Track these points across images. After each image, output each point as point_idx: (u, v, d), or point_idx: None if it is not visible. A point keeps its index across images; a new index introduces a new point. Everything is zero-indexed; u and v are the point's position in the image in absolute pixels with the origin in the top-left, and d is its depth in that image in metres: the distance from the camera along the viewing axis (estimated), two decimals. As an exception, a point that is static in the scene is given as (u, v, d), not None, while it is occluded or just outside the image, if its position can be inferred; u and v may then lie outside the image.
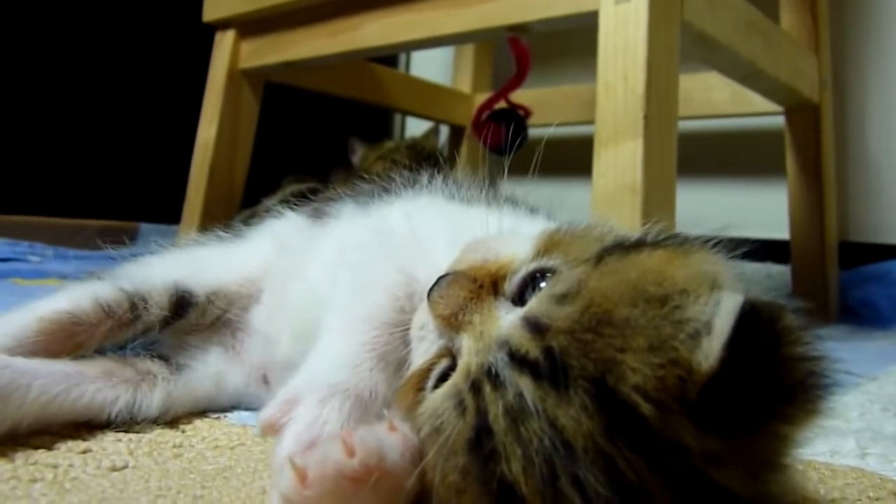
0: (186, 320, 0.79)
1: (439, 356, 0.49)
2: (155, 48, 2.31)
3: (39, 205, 2.14)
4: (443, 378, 0.47)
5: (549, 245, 0.50)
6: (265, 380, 0.79)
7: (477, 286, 0.49)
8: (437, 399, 0.45)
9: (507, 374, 0.41)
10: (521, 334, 0.42)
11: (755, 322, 0.38)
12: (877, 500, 0.62)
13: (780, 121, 1.82)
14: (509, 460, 0.39)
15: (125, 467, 0.61)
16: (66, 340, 0.71)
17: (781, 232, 1.82)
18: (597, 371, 0.38)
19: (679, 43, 1.10)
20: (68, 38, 2.17)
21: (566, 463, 0.37)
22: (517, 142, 1.71)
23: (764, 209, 1.96)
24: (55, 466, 0.59)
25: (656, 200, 1.01)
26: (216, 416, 0.77)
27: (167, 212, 1.75)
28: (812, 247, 1.77)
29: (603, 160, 1.03)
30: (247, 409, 0.80)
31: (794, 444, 0.42)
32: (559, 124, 2.05)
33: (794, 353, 0.39)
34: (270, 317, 0.79)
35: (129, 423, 0.70)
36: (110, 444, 0.66)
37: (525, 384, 0.40)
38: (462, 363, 0.45)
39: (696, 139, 2.13)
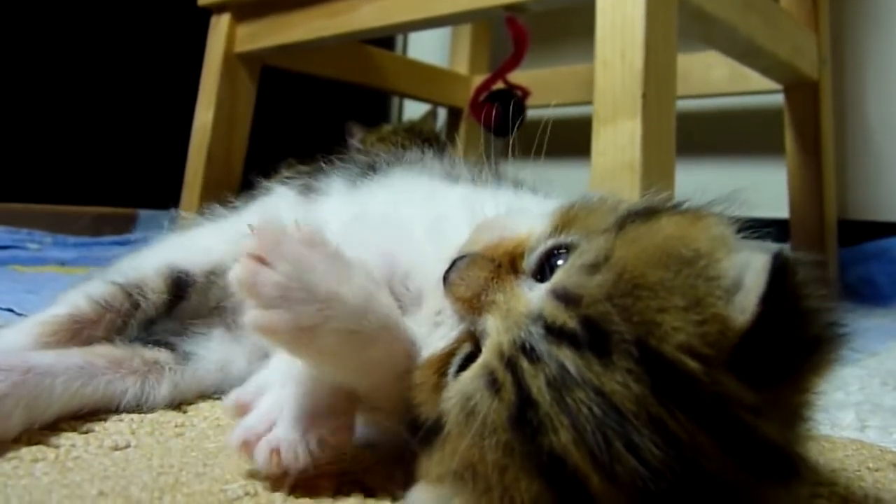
0: (189, 302, 0.79)
1: (460, 341, 0.48)
2: (150, 33, 2.30)
3: (38, 192, 2.14)
4: (466, 363, 0.46)
5: (565, 220, 0.49)
6: (267, 357, 0.79)
7: (496, 266, 0.49)
8: (465, 381, 0.44)
9: (545, 347, 0.41)
10: (553, 306, 0.42)
11: (784, 276, 0.39)
12: (876, 470, 0.62)
13: (779, 99, 1.81)
14: (557, 432, 0.38)
15: (127, 446, 0.61)
16: (72, 339, 0.72)
17: (781, 210, 1.82)
18: (638, 334, 0.39)
19: (677, 20, 1.09)
20: (65, 24, 2.16)
21: (618, 428, 0.37)
22: (516, 122, 1.71)
23: (763, 187, 1.96)
24: (57, 446, 0.59)
25: (655, 179, 1.01)
26: (217, 396, 0.77)
27: (165, 198, 1.75)
28: (811, 225, 1.77)
29: (602, 139, 1.03)
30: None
31: (815, 395, 0.43)
32: (557, 105, 2.04)
33: (814, 304, 0.41)
34: None
35: (136, 410, 0.71)
36: (112, 425, 0.66)
37: (566, 355, 0.40)
38: (491, 343, 0.44)
39: (694, 118, 2.12)
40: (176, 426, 0.67)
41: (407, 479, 0.54)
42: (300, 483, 0.53)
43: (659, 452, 0.37)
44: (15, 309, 1.10)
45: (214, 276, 0.80)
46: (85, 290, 0.75)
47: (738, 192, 0.50)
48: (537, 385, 0.40)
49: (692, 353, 0.38)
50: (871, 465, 0.64)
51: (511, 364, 0.42)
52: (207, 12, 1.76)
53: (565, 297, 0.42)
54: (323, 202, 0.82)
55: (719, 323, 0.39)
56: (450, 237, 0.56)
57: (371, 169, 0.81)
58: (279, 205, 0.86)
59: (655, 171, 1.02)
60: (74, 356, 0.69)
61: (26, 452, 0.57)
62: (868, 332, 1.30)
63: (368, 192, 0.78)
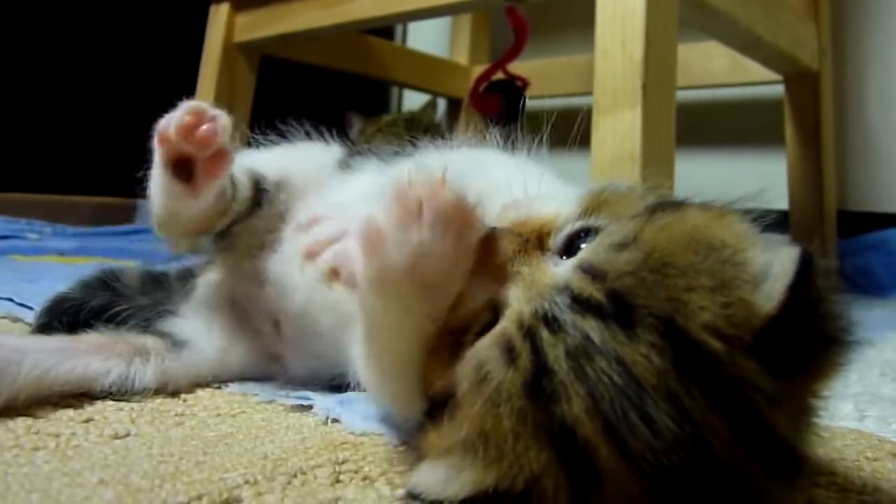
0: (262, 212, 0.79)
1: (480, 310, 0.49)
2: (150, 23, 2.29)
3: (38, 182, 2.14)
4: (483, 332, 0.46)
5: (595, 204, 0.50)
6: (277, 326, 0.79)
7: (523, 240, 0.49)
8: (480, 348, 0.44)
9: (569, 317, 0.41)
10: (579, 279, 0.43)
11: (809, 271, 0.39)
12: (875, 460, 0.63)
13: (779, 90, 1.81)
14: (570, 400, 0.39)
15: (127, 435, 0.61)
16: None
17: (780, 201, 1.82)
18: (665, 310, 0.39)
19: (677, 10, 1.09)
20: (64, 15, 2.15)
21: (636, 399, 0.38)
22: (515, 113, 1.71)
23: (763, 178, 1.96)
24: (57, 435, 0.59)
25: (655, 169, 1.01)
26: (217, 385, 0.78)
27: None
28: (811, 215, 1.77)
29: (602, 129, 1.03)
30: (248, 378, 0.80)
31: (821, 397, 0.44)
32: (556, 95, 2.04)
33: (831, 306, 0.41)
34: (286, 265, 0.77)
35: (124, 394, 0.71)
36: (112, 414, 0.66)
37: (591, 325, 0.40)
38: (511, 311, 0.45)
39: (694, 109, 2.12)
40: (176, 415, 0.68)
41: (407, 469, 0.54)
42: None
43: (674, 427, 0.37)
44: (14, 298, 1.10)
45: (280, 187, 0.80)
46: None
47: (759, 193, 0.50)
48: (555, 353, 0.40)
49: (717, 333, 0.38)
50: (869, 454, 0.64)
51: (530, 333, 0.42)
52: (206, 2, 1.75)
53: (592, 271, 0.42)
54: (358, 175, 0.81)
55: (745, 307, 0.39)
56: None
57: (409, 149, 0.80)
58: (323, 159, 0.85)
59: (655, 161, 1.01)
60: (54, 340, 0.71)
61: (27, 441, 0.58)
62: (867, 323, 1.30)
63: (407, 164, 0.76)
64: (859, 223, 1.93)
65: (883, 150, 2.00)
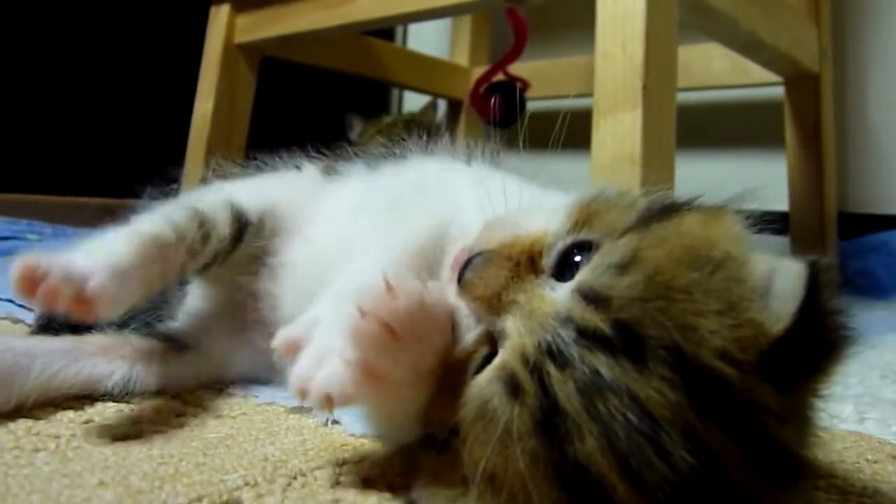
0: (244, 245, 0.78)
1: (478, 344, 0.47)
2: (150, 24, 2.29)
3: (38, 183, 2.14)
4: (483, 366, 0.45)
5: (584, 217, 0.48)
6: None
7: (514, 264, 0.47)
8: (481, 384, 0.43)
9: (577, 351, 0.39)
10: (582, 308, 0.41)
11: (816, 285, 0.39)
12: (875, 462, 0.63)
13: (779, 91, 1.80)
14: (584, 439, 0.38)
15: (127, 437, 0.61)
16: (157, 261, 0.70)
17: (781, 203, 1.81)
18: (675, 339, 0.38)
19: (678, 11, 1.09)
20: (66, 16, 2.15)
21: (652, 434, 0.37)
22: (516, 114, 1.71)
23: (763, 180, 1.95)
24: (58, 436, 0.60)
25: (655, 171, 1.01)
26: (218, 387, 0.78)
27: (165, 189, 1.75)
28: (811, 217, 1.76)
29: (602, 130, 1.03)
30: (249, 380, 0.80)
31: (822, 396, 0.44)
32: (557, 97, 2.04)
33: (832, 308, 0.41)
34: (274, 275, 0.78)
35: (127, 396, 0.71)
36: (112, 415, 0.66)
37: (600, 360, 0.39)
38: (511, 344, 0.43)
39: (695, 110, 2.12)
40: (176, 416, 0.68)
41: (406, 471, 0.54)
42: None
43: (690, 459, 0.37)
44: (15, 299, 1.10)
45: (265, 219, 0.79)
46: (163, 213, 0.73)
47: (748, 191, 0.49)
48: (566, 392, 0.39)
49: (728, 359, 0.38)
50: (869, 456, 0.64)
51: (536, 369, 0.40)
52: (207, 3, 1.75)
53: (594, 299, 0.41)
54: (344, 183, 0.81)
55: (753, 328, 0.39)
56: (497, 209, 0.54)
57: (395, 155, 0.80)
58: (304, 180, 0.86)
59: (655, 163, 1.01)
60: (60, 342, 0.70)
61: (27, 442, 0.58)
62: (867, 325, 1.30)
63: (390, 173, 0.77)
64: (860, 225, 1.93)
65: (883, 152, 1.99)
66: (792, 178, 1.79)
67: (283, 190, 0.83)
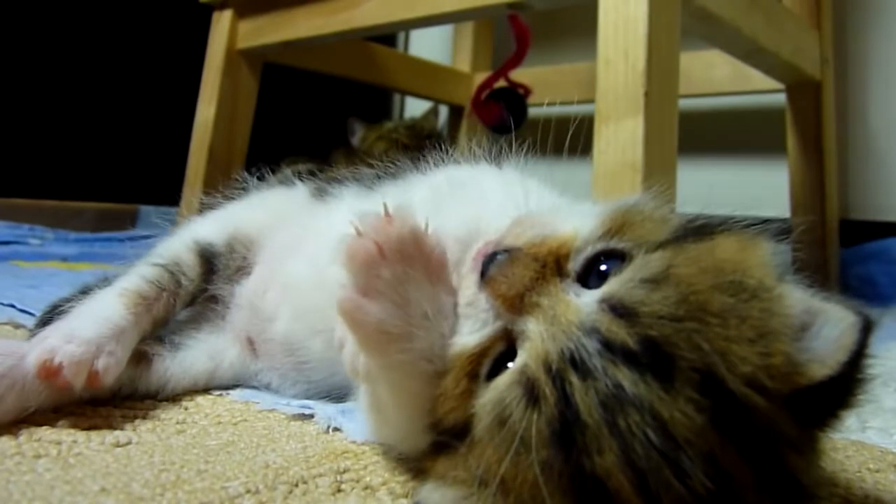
0: (219, 274, 0.82)
1: (494, 339, 0.46)
2: (152, 29, 2.30)
3: (40, 188, 2.14)
4: (497, 364, 0.45)
5: (616, 225, 0.47)
6: (251, 344, 0.80)
7: (540, 265, 0.46)
8: (500, 387, 0.42)
9: (600, 362, 0.39)
10: (609, 320, 0.40)
11: (866, 343, 0.39)
12: (877, 471, 0.62)
13: (781, 98, 1.81)
14: (602, 453, 0.37)
15: (129, 443, 0.61)
16: (146, 314, 0.74)
17: (782, 210, 1.81)
18: (706, 363, 0.38)
19: (680, 19, 1.09)
20: (67, 21, 2.16)
21: (672, 455, 0.37)
22: (517, 121, 1.71)
23: (765, 187, 1.95)
24: (59, 443, 0.60)
25: (657, 178, 1.01)
26: (218, 393, 0.78)
27: (167, 194, 1.75)
28: (813, 225, 1.76)
29: (604, 137, 1.03)
30: (249, 386, 0.80)
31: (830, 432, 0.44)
32: (558, 103, 2.04)
33: (868, 369, 0.41)
34: (261, 290, 0.79)
35: (128, 397, 0.72)
36: (113, 422, 0.66)
37: (624, 374, 0.38)
38: (532, 348, 0.42)
39: (696, 117, 2.12)
40: (177, 423, 0.68)
41: (408, 477, 0.54)
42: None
43: (708, 484, 0.36)
44: (17, 304, 1.10)
45: (234, 243, 0.83)
46: (138, 272, 0.78)
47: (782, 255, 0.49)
48: (587, 403, 0.38)
49: (756, 387, 0.38)
50: (871, 466, 0.64)
51: (559, 377, 0.40)
52: (209, 9, 1.76)
53: (622, 312, 0.40)
54: (335, 205, 0.81)
55: (784, 359, 0.39)
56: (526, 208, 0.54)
57: (389, 174, 0.80)
58: (291, 200, 0.87)
59: (657, 170, 1.01)
60: None
61: (28, 449, 0.58)
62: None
63: (393, 189, 0.76)
64: (861, 232, 1.93)
65: (885, 159, 1.99)
66: (793, 185, 1.79)
67: (254, 212, 0.87)
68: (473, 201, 0.61)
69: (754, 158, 2.13)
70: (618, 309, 0.40)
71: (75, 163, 2.20)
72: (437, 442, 0.47)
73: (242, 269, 0.83)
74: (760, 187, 2.00)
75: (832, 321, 0.40)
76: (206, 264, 0.81)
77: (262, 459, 0.58)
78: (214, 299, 0.83)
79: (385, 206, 0.49)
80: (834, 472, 0.61)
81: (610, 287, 0.42)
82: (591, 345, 0.40)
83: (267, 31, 1.67)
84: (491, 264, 0.47)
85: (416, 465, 0.52)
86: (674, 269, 0.41)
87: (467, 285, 0.50)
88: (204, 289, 0.81)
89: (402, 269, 0.48)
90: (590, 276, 0.45)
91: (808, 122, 1.75)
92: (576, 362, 0.40)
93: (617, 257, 0.45)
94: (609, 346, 0.39)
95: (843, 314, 0.40)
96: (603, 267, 0.45)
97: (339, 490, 0.54)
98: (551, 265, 0.46)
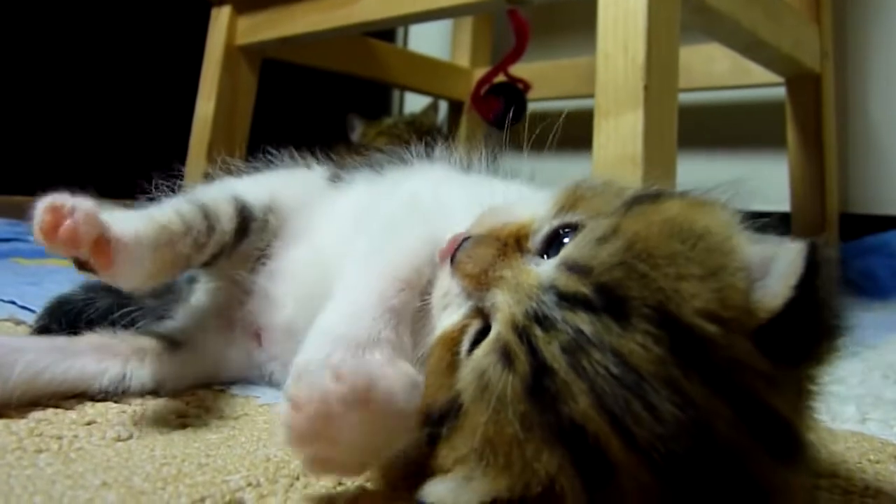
0: (249, 240, 0.79)
1: (469, 318, 0.49)
2: (152, 25, 2.30)
3: (40, 184, 2.14)
4: (476, 340, 0.47)
5: (570, 201, 0.50)
6: (258, 339, 0.79)
7: (501, 244, 0.49)
8: (478, 357, 0.44)
9: (559, 313, 0.41)
10: (565, 277, 0.43)
11: (815, 266, 0.40)
12: (877, 462, 0.63)
13: (780, 92, 1.81)
14: (576, 398, 0.39)
15: (130, 437, 0.61)
16: (167, 246, 0.71)
17: (782, 203, 1.81)
18: (657, 299, 0.39)
19: (679, 12, 1.09)
20: (66, 17, 2.16)
21: (636, 389, 0.38)
22: (517, 116, 1.71)
23: (764, 180, 1.95)
24: (60, 437, 0.60)
25: (657, 171, 1.01)
26: (219, 387, 0.78)
27: (166, 190, 1.75)
28: (813, 218, 1.76)
29: (603, 131, 1.03)
30: (250, 381, 0.80)
31: (818, 384, 0.44)
32: (559, 97, 2.04)
33: (830, 294, 0.41)
34: (273, 276, 0.79)
35: (121, 394, 0.72)
36: (115, 416, 0.66)
37: (582, 318, 0.40)
38: (501, 316, 0.44)
39: (696, 111, 2.12)
40: (178, 417, 0.68)
41: (408, 472, 0.54)
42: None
43: (677, 413, 0.37)
44: (17, 301, 1.10)
45: (269, 213, 0.81)
46: (171, 204, 0.74)
47: (739, 182, 0.50)
48: (551, 352, 0.40)
49: (711, 318, 0.39)
50: (871, 457, 0.64)
51: (524, 333, 0.42)
52: (208, 5, 1.75)
53: (576, 268, 0.42)
54: (347, 191, 0.82)
55: (739, 294, 0.40)
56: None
57: (397, 163, 0.81)
58: (309, 181, 0.86)
59: (657, 163, 1.01)
60: (51, 340, 0.72)
61: (30, 443, 0.58)
62: (869, 326, 1.30)
63: (402, 181, 0.77)
64: (861, 226, 1.93)
65: (885, 153, 1.99)
66: (793, 179, 1.79)
67: (289, 187, 0.84)
68: (431, 222, 0.63)
69: (754, 152, 2.13)
70: (572, 267, 0.43)
71: (74, 159, 2.19)
72: (432, 434, 0.47)
73: (266, 249, 0.81)
74: (760, 181, 1.99)
75: (783, 256, 0.41)
76: (241, 222, 0.78)
77: (263, 453, 0.59)
78: (222, 296, 0.82)
79: (330, 364, 0.47)
80: (834, 464, 0.61)
81: (565, 251, 0.45)
82: (550, 299, 0.42)
83: (266, 27, 1.67)
84: (458, 250, 0.50)
85: (415, 461, 0.52)
86: (622, 225, 0.44)
87: (442, 278, 0.53)
88: (232, 247, 0.78)
89: (363, 427, 0.46)
90: (550, 249, 0.48)
91: (807, 116, 1.75)
92: (539, 318, 0.42)
93: (572, 229, 0.48)
94: (565, 298, 0.42)
95: (791, 246, 0.41)
96: (566, 240, 0.47)
97: (340, 483, 0.54)
98: (512, 244, 0.49)
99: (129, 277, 0.67)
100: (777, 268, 0.40)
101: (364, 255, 0.64)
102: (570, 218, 0.48)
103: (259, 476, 0.53)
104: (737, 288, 0.40)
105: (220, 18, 1.73)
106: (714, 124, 2.17)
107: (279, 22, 1.63)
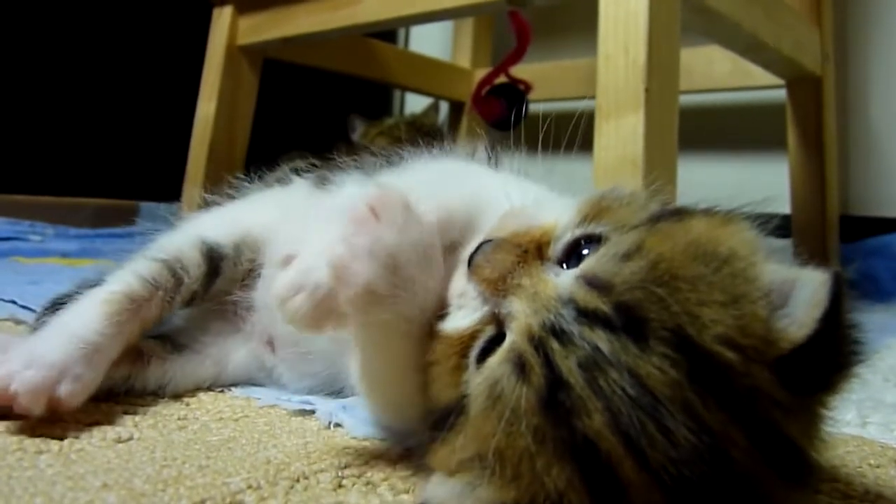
0: (222, 277, 0.79)
1: (483, 323, 0.48)
2: (153, 25, 2.30)
3: (40, 184, 2.14)
4: (489, 346, 0.46)
5: (594, 211, 0.49)
6: (272, 347, 0.79)
7: (521, 251, 0.49)
8: (492, 365, 0.44)
9: (577, 329, 0.41)
10: (584, 291, 0.42)
11: (839, 297, 0.40)
12: (877, 467, 0.63)
13: (781, 94, 1.80)
14: (591, 415, 0.38)
15: (130, 439, 0.61)
16: (132, 319, 0.71)
17: (782, 206, 1.81)
18: (677, 322, 0.39)
19: (680, 14, 1.09)
20: (67, 17, 2.16)
21: (652, 411, 0.38)
22: (518, 117, 1.71)
23: (765, 183, 1.95)
24: (60, 438, 0.60)
25: (657, 174, 1.01)
26: (220, 389, 0.78)
27: (167, 190, 1.75)
28: (813, 220, 1.76)
29: (604, 133, 1.03)
30: (251, 383, 0.80)
31: (832, 408, 0.44)
32: (560, 99, 2.04)
33: (849, 322, 0.41)
34: (268, 289, 0.78)
35: (124, 395, 0.72)
36: (115, 418, 0.66)
37: (600, 336, 0.40)
38: (517, 325, 0.44)
39: (696, 113, 2.12)
40: (178, 419, 0.68)
41: (409, 474, 0.54)
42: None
43: (692, 438, 0.37)
44: (17, 301, 1.11)
45: (243, 246, 0.81)
46: (133, 269, 0.74)
47: (767, 201, 0.50)
48: (568, 366, 0.40)
49: (730, 345, 0.39)
50: (872, 461, 0.64)
51: (541, 346, 0.42)
52: (209, 5, 1.75)
53: (597, 284, 0.42)
54: (335, 192, 0.81)
55: (760, 323, 0.40)
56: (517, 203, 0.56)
57: (390, 163, 0.80)
58: (293, 196, 0.86)
59: (658, 166, 1.01)
60: None
61: (30, 444, 0.58)
62: (869, 329, 1.30)
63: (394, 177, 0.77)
64: (862, 228, 1.93)
65: (885, 155, 1.99)
66: (794, 181, 1.79)
67: (262, 213, 0.84)
68: (472, 185, 0.63)
69: (754, 154, 2.13)
70: (592, 282, 0.42)
71: (76, 159, 2.20)
72: (438, 427, 0.47)
73: (252, 272, 0.81)
74: (760, 183, 2.00)
75: (805, 283, 0.41)
76: (211, 264, 0.78)
77: (264, 455, 0.59)
78: (221, 301, 0.82)
79: (381, 184, 0.51)
80: (834, 468, 0.61)
81: (586, 264, 0.45)
82: (568, 313, 0.42)
83: (267, 27, 1.67)
84: (476, 253, 0.50)
85: (418, 463, 0.52)
86: (646, 243, 0.43)
87: (458, 278, 0.52)
88: (205, 290, 0.79)
89: (393, 233, 0.50)
90: (570, 259, 0.48)
91: (808, 118, 1.75)
92: (556, 330, 0.42)
93: (596, 241, 0.47)
94: (584, 314, 0.41)
95: (814, 274, 0.41)
96: (586, 251, 0.47)
97: (341, 486, 0.54)
98: (533, 251, 0.49)
99: (84, 397, 0.65)
100: (800, 297, 0.40)
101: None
102: (594, 229, 0.48)
103: (259, 478, 0.53)
104: (758, 316, 0.40)
105: (222, 18, 1.73)
106: (715, 126, 2.17)
107: (281, 22, 1.63)
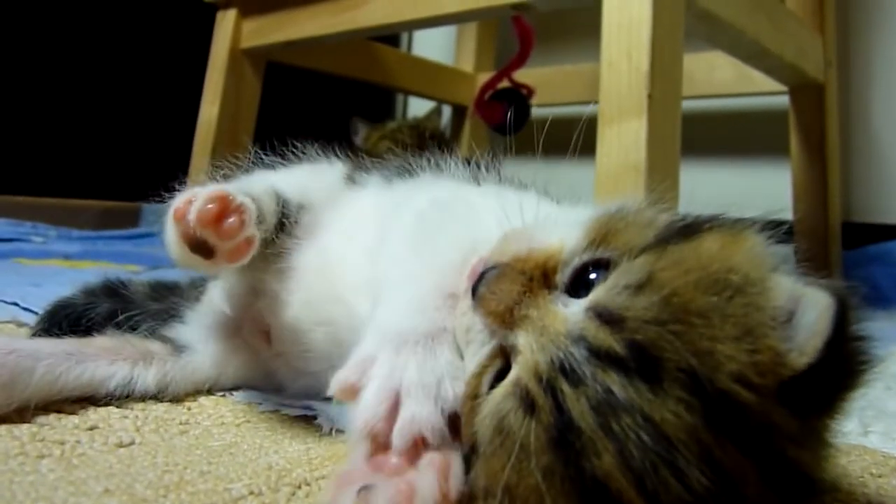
0: (281, 237, 0.76)
1: (491, 358, 0.47)
2: (156, 28, 2.30)
3: (43, 185, 2.14)
4: (497, 380, 0.45)
5: (601, 234, 0.47)
6: (267, 337, 0.78)
7: (527, 279, 0.47)
8: (497, 400, 0.43)
9: (589, 370, 0.40)
10: (595, 327, 0.41)
11: (844, 319, 0.39)
12: (879, 476, 0.62)
13: (784, 100, 1.81)
14: (601, 456, 0.38)
15: (132, 443, 0.61)
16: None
17: (785, 212, 1.81)
18: (691, 363, 0.38)
19: (683, 20, 1.09)
20: (70, 19, 2.16)
21: (667, 456, 0.37)
22: (520, 121, 1.71)
23: (767, 189, 1.95)
24: (62, 443, 0.60)
25: (660, 180, 1.01)
26: (222, 393, 0.78)
27: (169, 192, 1.75)
28: (815, 227, 1.76)
29: (607, 139, 1.03)
30: (252, 388, 0.80)
31: (839, 420, 0.44)
32: (562, 104, 2.04)
33: (855, 337, 0.41)
34: (282, 275, 0.76)
35: (127, 397, 0.72)
36: (117, 422, 0.66)
37: (613, 380, 0.39)
38: (524, 360, 0.43)
39: (699, 119, 2.12)
40: (180, 423, 0.68)
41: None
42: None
43: (706, 481, 0.37)
44: (20, 303, 1.11)
45: (302, 210, 0.78)
46: (239, 186, 0.71)
47: (782, 209, 0.50)
48: (580, 410, 0.39)
49: (745, 384, 0.38)
50: (874, 470, 0.64)
51: (550, 386, 0.40)
52: (213, 8, 1.76)
53: (608, 319, 0.41)
54: (360, 195, 0.80)
55: (772, 353, 0.39)
56: (516, 222, 0.53)
57: (407, 171, 0.79)
58: (332, 176, 0.84)
59: (660, 172, 1.01)
60: (64, 344, 0.71)
61: (32, 449, 0.58)
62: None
63: (405, 191, 0.75)
64: (864, 235, 1.93)
65: (888, 162, 1.99)
66: (796, 188, 1.79)
67: (317, 182, 0.82)
68: (464, 225, 0.60)
69: (757, 160, 2.13)
70: (603, 316, 0.41)
71: (78, 161, 2.20)
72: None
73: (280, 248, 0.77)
74: (763, 189, 2.00)
75: (810, 306, 0.40)
76: (280, 218, 0.74)
77: (266, 461, 0.59)
78: (232, 298, 0.81)
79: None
80: (836, 477, 0.61)
81: (595, 295, 0.43)
82: (580, 353, 0.41)
83: (270, 30, 1.67)
84: (479, 283, 0.48)
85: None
86: (656, 272, 0.42)
87: (463, 311, 0.50)
88: (270, 241, 0.74)
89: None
90: (578, 286, 0.46)
91: (810, 125, 1.75)
92: (566, 370, 0.40)
93: (603, 266, 0.45)
94: (596, 353, 0.40)
95: (819, 297, 0.40)
96: (592, 276, 0.45)
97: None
98: (539, 278, 0.47)
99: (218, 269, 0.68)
100: (803, 321, 0.40)
101: (403, 252, 0.61)
102: (601, 253, 0.46)
103: (261, 484, 0.53)
104: (769, 347, 0.39)
105: (226, 21, 1.73)
106: (717, 132, 2.17)
107: (284, 25, 1.63)
